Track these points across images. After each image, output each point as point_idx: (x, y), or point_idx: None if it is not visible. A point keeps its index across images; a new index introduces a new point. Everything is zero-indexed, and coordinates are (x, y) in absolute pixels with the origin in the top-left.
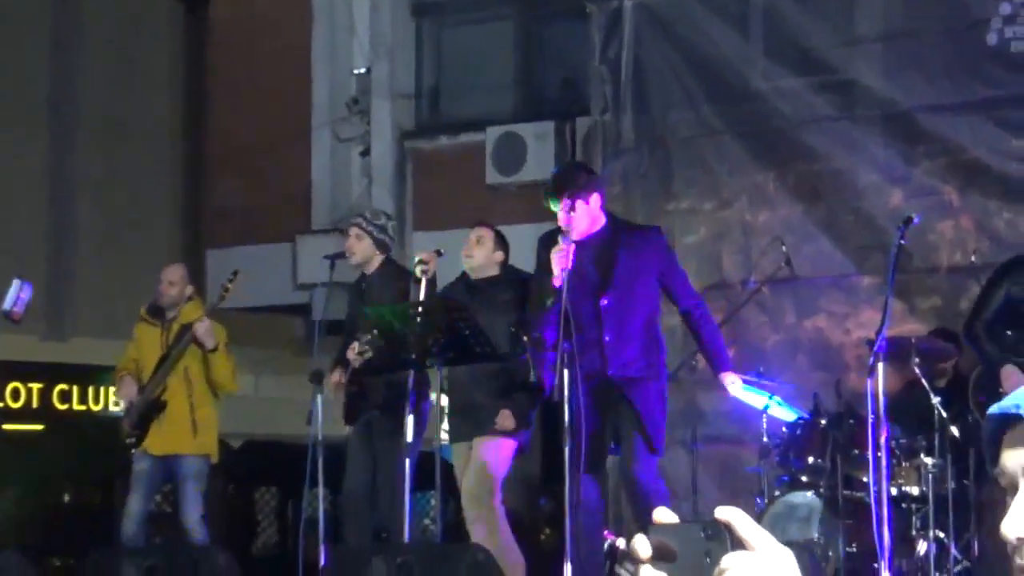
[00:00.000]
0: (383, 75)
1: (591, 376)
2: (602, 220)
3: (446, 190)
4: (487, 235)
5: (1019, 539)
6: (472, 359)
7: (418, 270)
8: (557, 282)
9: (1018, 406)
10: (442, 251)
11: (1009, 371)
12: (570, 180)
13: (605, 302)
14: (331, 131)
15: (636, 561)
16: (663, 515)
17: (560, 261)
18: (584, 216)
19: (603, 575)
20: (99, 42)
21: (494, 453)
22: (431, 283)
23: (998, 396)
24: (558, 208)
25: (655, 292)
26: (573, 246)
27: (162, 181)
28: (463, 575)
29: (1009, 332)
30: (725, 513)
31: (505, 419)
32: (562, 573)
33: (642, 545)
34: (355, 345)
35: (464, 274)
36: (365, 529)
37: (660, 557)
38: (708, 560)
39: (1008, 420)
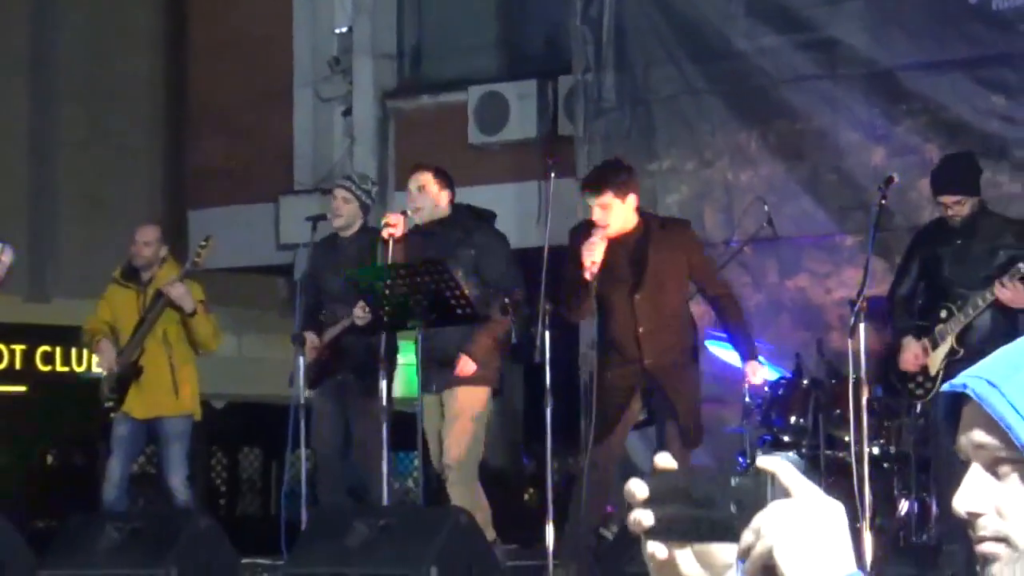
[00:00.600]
0: (365, 34)
1: (626, 361)
2: (635, 218)
3: (428, 150)
4: (427, 179)
5: (969, 513)
6: (453, 320)
7: (384, 232)
8: (587, 275)
9: (964, 385)
10: (408, 212)
11: (905, 343)
12: (610, 177)
13: (638, 297)
14: (313, 90)
15: (630, 504)
16: (664, 460)
17: (590, 253)
18: (620, 214)
19: (592, 541)
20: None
21: (470, 405)
22: (398, 244)
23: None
24: (594, 203)
25: (686, 282)
26: (606, 242)
27: (144, 140)
28: (445, 538)
29: (922, 298)
30: (770, 462)
31: (464, 364)
32: (544, 533)
33: (638, 487)
34: (363, 304)
35: (416, 225)
36: (340, 489)
37: (670, 499)
38: (736, 508)
39: (958, 399)
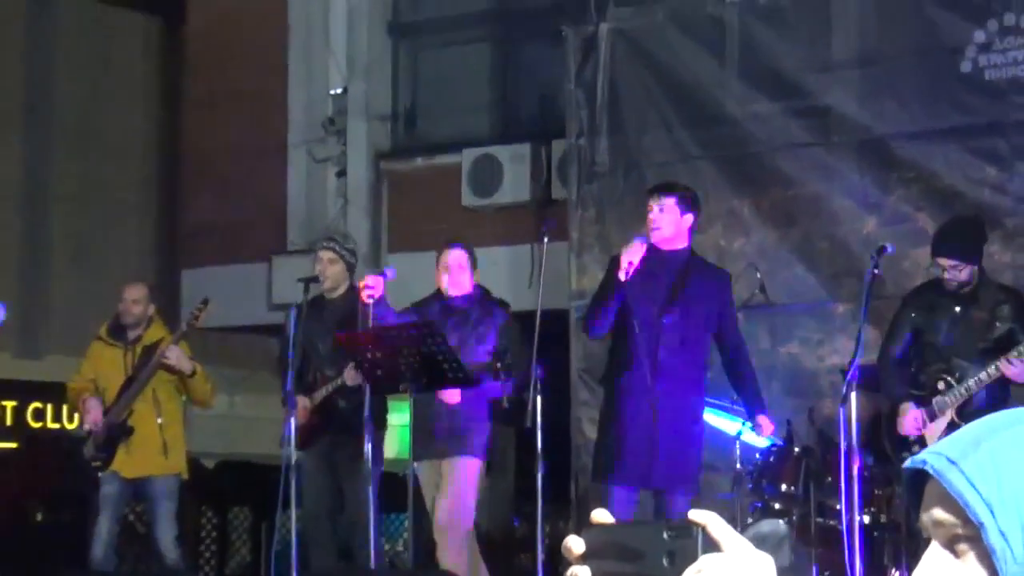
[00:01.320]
0: (359, 95)
1: (634, 391)
2: (686, 243)
3: (422, 211)
4: (466, 260)
5: None
6: (445, 384)
7: (364, 294)
8: (621, 274)
9: (924, 461)
10: (388, 274)
11: (903, 408)
12: (679, 188)
13: (667, 320)
14: (307, 150)
15: (567, 560)
16: (601, 515)
17: (628, 254)
18: (671, 223)
19: None
20: (75, 53)
21: (463, 474)
22: (378, 306)
23: (898, 437)
24: (655, 204)
25: (713, 322)
26: (646, 245)
27: (137, 196)
28: None
29: (914, 363)
30: (700, 516)
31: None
32: None
33: (575, 543)
34: (354, 364)
35: (438, 291)
36: (330, 551)
37: (605, 555)
38: (668, 561)
39: (919, 476)
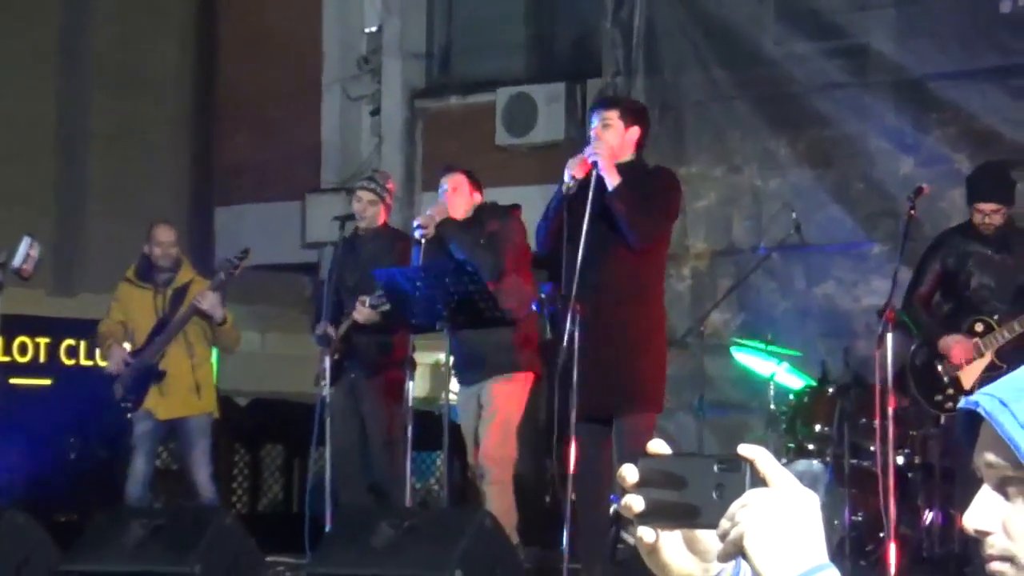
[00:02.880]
0: (394, 34)
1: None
2: (630, 155)
3: (456, 150)
4: (461, 181)
5: (976, 531)
6: (481, 323)
7: (417, 233)
8: (563, 188)
9: (977, 403)
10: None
11: (950, 341)
12: (622, 100)
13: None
14: (341, 89)
15: (623, 488)
16: (657, 446)
17: (573, 169)
18: (616, 136)
19: (608, 541)
20: None
21: (506, 399)
22: (430, 244)
23: (932, 372)
24: (599, 116)
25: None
26: (592, 160)
27: (172, 135)
28: (470, 541)
29: (946, 306)
30: (749, 450)
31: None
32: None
33: (629, 472)
34: (365, 299)
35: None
36: (359, 486)
37: (657, 484)
38: (717, 494)
39: (973, 416)
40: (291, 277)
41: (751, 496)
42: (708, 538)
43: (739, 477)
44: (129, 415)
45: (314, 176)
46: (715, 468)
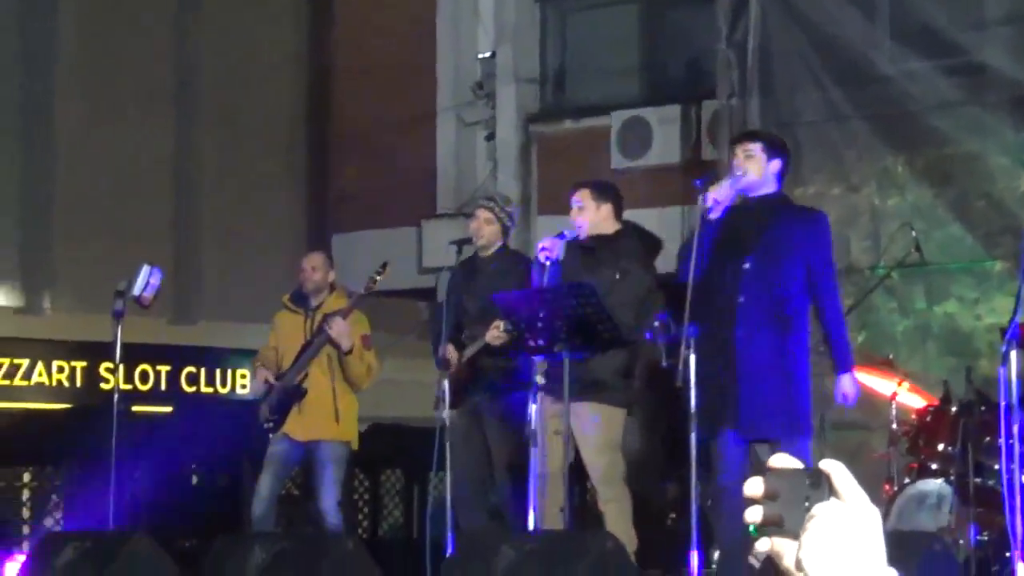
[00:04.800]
0: (508, 59)
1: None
2: (773, 188)
3: (570, 174)
4: (584, 195)
5: None
6: (599, 344)
7: (541, 256)
8: (711, 215)
9: None
10: (565, 235)
11: None
12: (764, 133)
13: (747, 265)
14: (456, 115)
15: (748, 501)
16: (779, 460)
17: (716, 193)
18: (758, 167)
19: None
20: (222, 26)
21: (613, 422)
22: (555, 267)
23: None
24: (740, 150)
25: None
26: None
27: (285, 164)
28: (594, 564)
29: None
30: (827, 465)
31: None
32: (687, 559)
33: (754, 484)
34: (499, 324)
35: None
36: (481, 512)
37: (771, 497)
38: (807, 504)
39: None
40: (407, 303)
41: (820, 508)
42: None
43: (822, 490)
44: (270, 436)
45: (429, 202)
46: (806, 481)
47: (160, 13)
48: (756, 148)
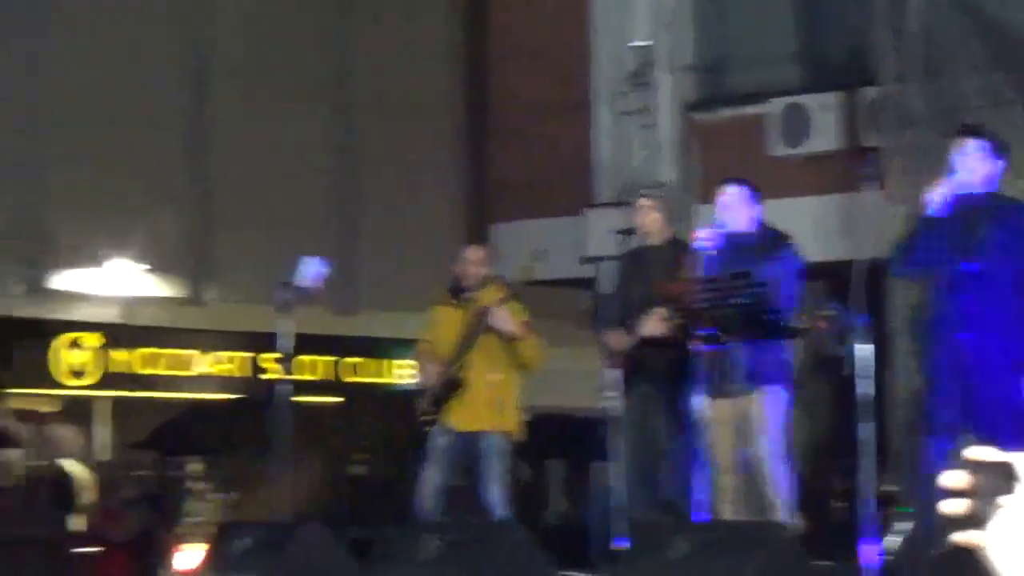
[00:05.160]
0: (664, 48)
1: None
2: (992, 187)
3: (729, 162)
4: (745, 193)
5: None
6: (765, 331)
7: (701, 246)
8: (929, 210)
9: None
10: (724, 223)
11: None
12: (989, 132)
13: (969, 267)
14: (612, 104)
15: (948, 493)
16: (974, 452)
17: (936, 192)
18: (978, 164)
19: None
20: (380, 16)
21: (773, 408)
22: (715, 257)
23: None
24: (970, 147)
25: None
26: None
27: (444, 154)
28: (768, 556)
29: None
30: (1013, 457)
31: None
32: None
33: (952, 478)
34: (662, 311)
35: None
36: (650, 502)
37: (969, 490)
38: (997, 496)
39: None
40: (568, 292)
41: (1006, 500)
42: None
43: (1006, 482)
44: (427, 428)
45: (586, 191)
46: (999, 474)
47: (316, 4)
48: (983, 146)
